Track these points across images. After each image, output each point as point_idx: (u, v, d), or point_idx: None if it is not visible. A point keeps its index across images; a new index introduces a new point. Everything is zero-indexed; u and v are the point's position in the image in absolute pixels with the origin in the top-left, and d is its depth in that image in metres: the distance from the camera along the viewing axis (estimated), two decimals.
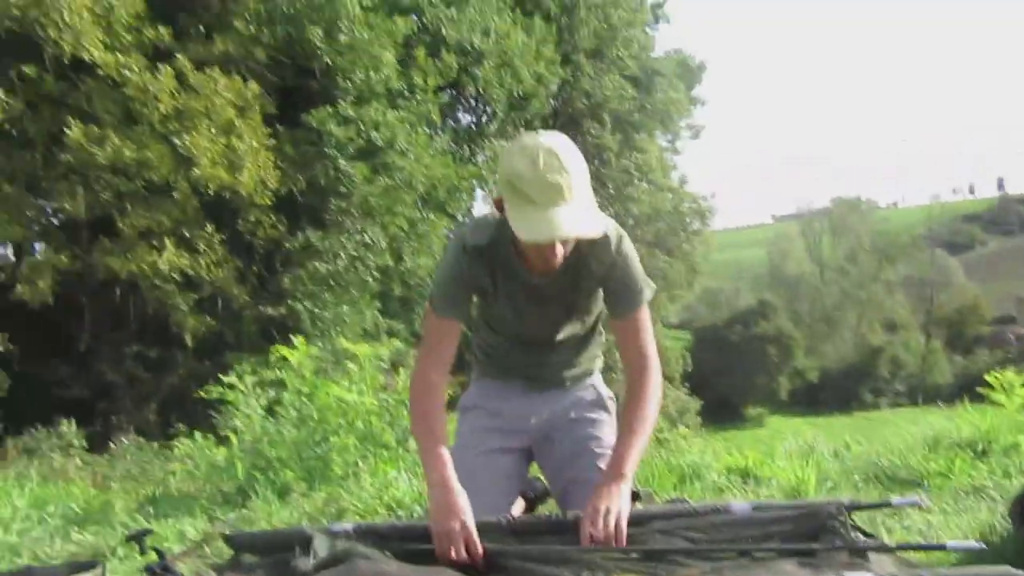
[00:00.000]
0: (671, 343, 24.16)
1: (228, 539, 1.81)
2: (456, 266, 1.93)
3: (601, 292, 2.02)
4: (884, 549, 1.52)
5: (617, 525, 1.67)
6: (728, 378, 36.41)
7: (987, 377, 4.84)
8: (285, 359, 3.36)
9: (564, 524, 1.73)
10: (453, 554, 1.61)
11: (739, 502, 1.88)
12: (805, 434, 4.38)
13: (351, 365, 3.61)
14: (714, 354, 37.67)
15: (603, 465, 2.06)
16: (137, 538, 1.89)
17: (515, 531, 1.72)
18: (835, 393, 35.31)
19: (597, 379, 2.33)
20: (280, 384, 3.87)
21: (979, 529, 2.04)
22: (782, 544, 1.58)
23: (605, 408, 2.26)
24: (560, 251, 1.78)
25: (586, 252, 1.89)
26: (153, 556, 1.92)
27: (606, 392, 2.30)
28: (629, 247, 1.95)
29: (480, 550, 1.62)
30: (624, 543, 1.64)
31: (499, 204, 1.81)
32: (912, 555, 1.78)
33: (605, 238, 1.88)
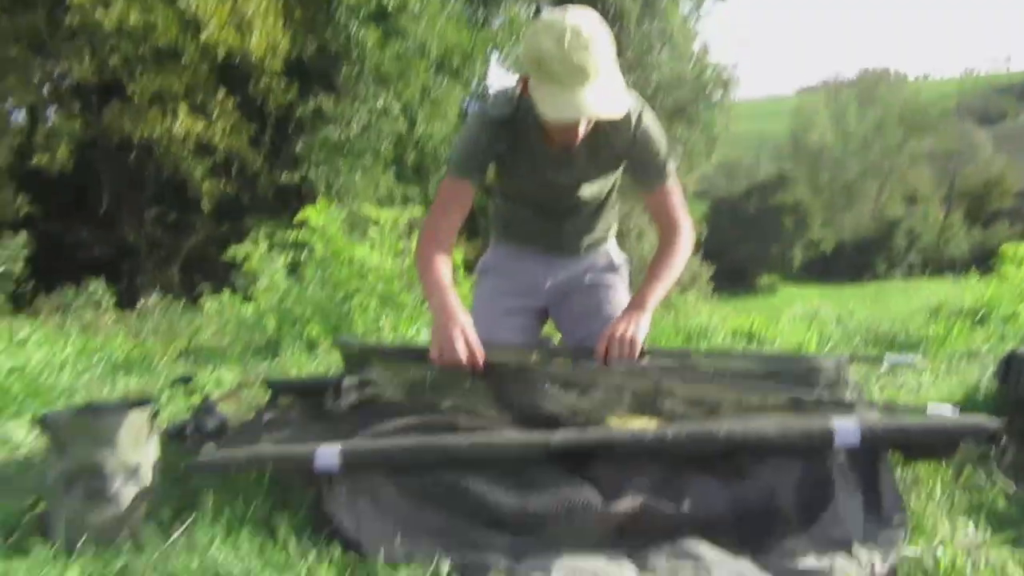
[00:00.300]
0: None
1: (268, 383, 1.97)
2: (477, 133, 1.97)
3: (619, 163, 2.07)
4: (867, 407, 1.64)
5: (632, 343, 1.80)
6: (742, 248, 36.45)
7: (1001, 249, 4.89)
8: (309, 221, 3.44)
9: (584, 350, 1.88)
10: (453, 355, 1.70)
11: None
12: (813, 302, 4.51)
13: (371, 229, 3.70)
14: (730, 224, 37.54)
15: (611, 304, 2.21)
16: (183, 381, 2.06)
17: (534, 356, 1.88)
18: (849, 263, 35.32)
19: (612, 245, 2.41)
20: (300, 246, 3.99)
21: (966, 389, 2.16)
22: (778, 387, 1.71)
23: (618, 272, 2.36)
24: (582, 129, 1.82)
25: (606, 126, 1.92)
26: (199, 398, 2.10)
27: (620, 258, 2.39)
28: (651, 120, 1.97)
29: (480, 352, 1.73)
30: (635, 356, 1.77)
31: (524, 81, 1.83)
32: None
33: (626, 115, 1.90)
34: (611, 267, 2.36)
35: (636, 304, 1.95)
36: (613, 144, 1.97)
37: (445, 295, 1.83)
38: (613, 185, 2.22)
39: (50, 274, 10.71)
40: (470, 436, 1.55)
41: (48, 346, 3.24)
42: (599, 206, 2.25)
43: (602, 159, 2.02)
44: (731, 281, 28.28)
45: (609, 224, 2.38)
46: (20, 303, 10.16)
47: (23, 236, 10.42)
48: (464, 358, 1.71)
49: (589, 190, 2.13)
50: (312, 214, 3.41)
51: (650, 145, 1.97)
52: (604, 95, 1.73)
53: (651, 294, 1.96)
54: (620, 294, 2.30)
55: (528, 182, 2.08)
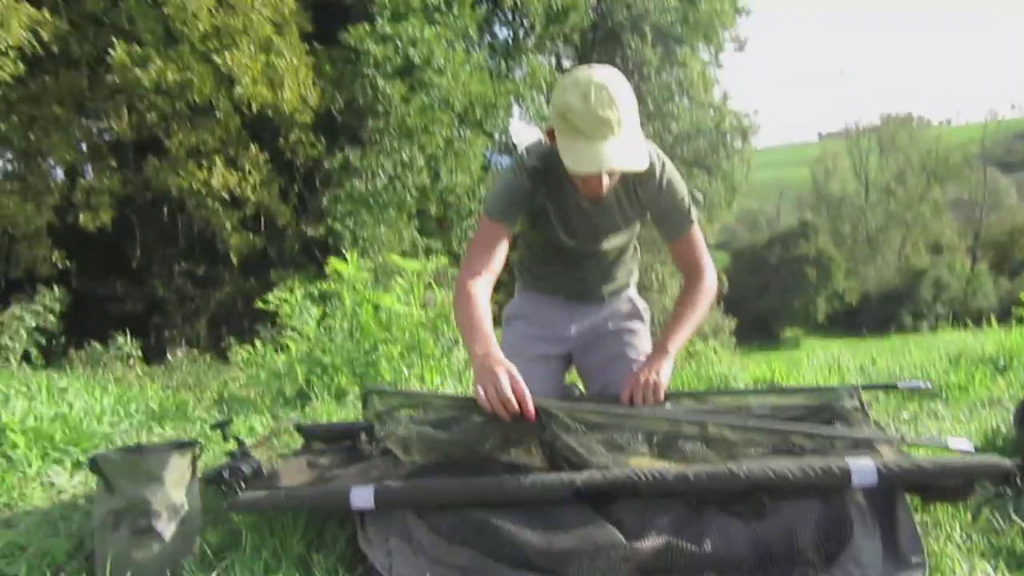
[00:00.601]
0: None
1: (300, 428, 2.05)
2: (514, 180, 2.05)
3: (643, 213, 2.15)
4: (887, 442, 1.68)
5: (655, 389, 1.88)
6: (765, 300, 36.22)
7: (1021, 296, 4.90)
8: (338, 272, 3.56)
9: (609, 397, 1.95)
10: (501, 403, 1.63)
11: (761, 403, 2.06)
12: (835, 353, 4.52)
13: (399, 279, 3.81)
14: (752, 275, 37.40)
15: (634, 351, 2.28)
16: (221, 427, 2.14)
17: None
18: (874, 316, 34.88)
19: (633, 292, 2.50)
20: (327, 298, 4.10)
21: (985, 434, 2.18)
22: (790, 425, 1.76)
23: (641, 319, 2.44)
24: (606, 181, 1.90)
25: (632, 178, 2.01)
26: (233, 444, 2.18)
27: (642, 304, 2.47)
28: (672, 172, 2.06)
29: (530, 398, 1.66)
30: (660, 401, 1.85)
31: (551, 134, 1.93)
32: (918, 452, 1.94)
33: (650, 166, 1.98)
34: (634, 314, 2.43)
35: (659, 349, 2.03)
36: (639, 195, 2.07)
37: (487, 339, 1.81)
38: (633, 234, 2.32)
39: (82, 328, 10.96)
40: (499, 477, 1.61)
41: (87, 395, 3.35)
42: (620, 255, 2.34)
43: (629, 209, 2.12)
44: (754, 334, 28.10)
45: (630, 272, 2.47)
46: (52, 357, 10.38)
47: (57, 291, 10.72)
48: (514, 403, 1.65)
49: (614, 240, 2.22)
50: (341, 265, 3.53)
51: (674, 195, 2.06)
52: (625, 149, 1.81)
53: (674, 339, 2.04)
54: (643, 340, 2.37)
55: (557, 231, 2.16)
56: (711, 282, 2.14)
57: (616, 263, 2.35)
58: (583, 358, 2.40)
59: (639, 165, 1.85)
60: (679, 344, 2.05)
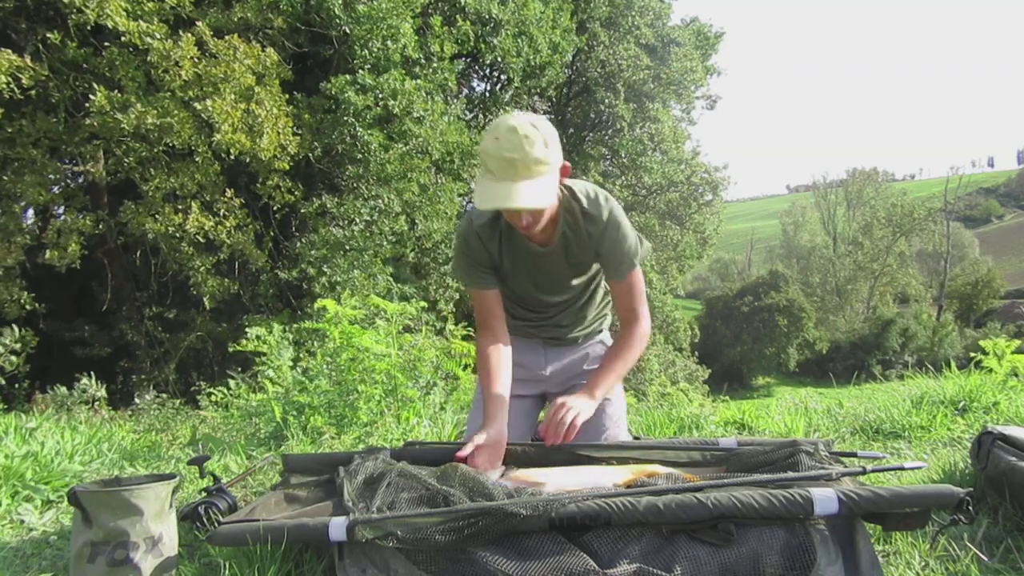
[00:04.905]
0: (681, 313, 24.35)
1: (283, 458, 2.07)
2: (462, 245, 2.19)
3: (595, 255, 2.22)
4: (850, 473, 1.75)
5: (570, 428, 2.00)
6: (737, 348, 36.57)
7: (981, 343, 5.05)
8: (325, 308, 3.58)
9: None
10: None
11: (727, 438, 2.13)
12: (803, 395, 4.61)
13: (379, 322, 3.85)
14: (724, 324, 37.81)
15: (610, 410, 2.35)
16: (198, 462, 2.15)
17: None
18: (844, 364, 35.35)
19: (606, 336, 2.58)
20: (300, 343, 4.09)
21: (945, 469, 2.26)
22: (762, 469, 1.83)
23: None
24: (527, 220, 1.97)
25: (580, 222, 2.10)
26: (210, 480, 2.19)
27: None
28: (618, 215, 2.13)
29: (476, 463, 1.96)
30: (572, 438, 1.97)
31: None
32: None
33: (597, 208, 2.08)
34: None
35: (585, 390, 2.13)
36: (586, 238, 2.15)
37: (483, 400, 2.12)
38: (597, 277, 2.39)
39: (45, 371, 10.75)
40: (472, 507, 1.64)
41: (58, 434, 3.31)
42: (588, 298, 2.41)
43: (579, 252, 2.19)
44: (726, 382, 28.27)
45: (603, 316, 2.54)
46: (13, 400, 10.15)
47: (21, 332, 10.53)
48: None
49: (575, 282, 2.29)
50: (329, 304, 3.57)
51: (617, 237, 2.13)
52: (528, 189, 1.87)
53: (601, 384, 2.14)
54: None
55: (517, 279, 2.27)
56: (643, 329, 2.23)
57: (586, 306, 2.42)
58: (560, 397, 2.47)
59: (539, 204, 1.90)
60: (605, 389, 2.17)
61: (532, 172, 1.88)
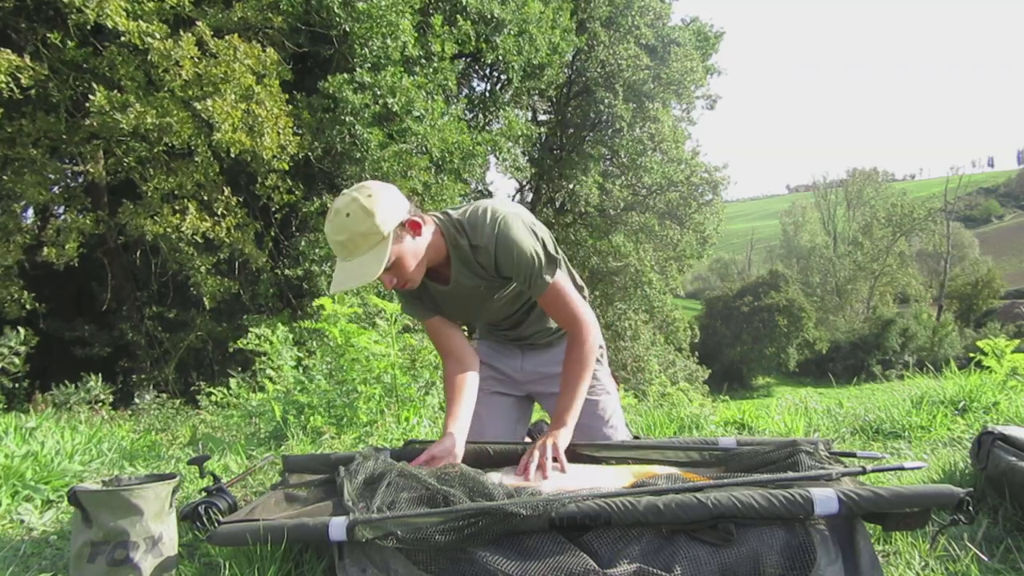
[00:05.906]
0: (681, 313, 24.36)
1: (283, 458, 2.07)
2: (400, 292, 2.24)
3: (499, 274, 2.16)
4: (850, 473, 1.75)
5: (554, 458, 1.98)
6: (737, 348, 36.58)
7: (979, 344, 5.05)
8: (323, 308, 3.58)
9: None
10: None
11: (726, 438, 2.13)
12: (803, 395, 4.61)
13: (379, 321, 3.85)
14: (724, 324, 37.83)
15: (597, 410, 2.37)
16: (199, 462, 2.15)
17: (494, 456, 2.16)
18: (844, 365, 35.36)
19: None
20: (302, 342, 4.09)
21: (944, 469, 2.26)
22: (762, 469, 1.83)
23: (597, 359, 2.52)
24: (390, 281, 2.00)
25: (469, 255, 2.09)
26: (210, 480, 2.19)
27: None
28: (511, 237, 2.04)
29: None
30: (545, 475, 1.92)
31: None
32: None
33: (482, 237, 2.05)
34: None
35: (556, 423, 2.11)
36: (482, 269, 2.13)
37: (448, 423, 2.12)
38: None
39: (45, 371, 10.74)
40: (473, 507, 1.65)
41: (58, 434, 3.31)
42: (537, 308, 2.36)
43: (483, 273, 2.14)
44: (726, 382, 28.30)
45: None
46: (14, 400, 10.14)
47: (22, 333, 10.52)
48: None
49: (503, 304, 2.28)
50: (327, 302, 3.57)
51: (515, 260, 2.05)
52: (364, 265, 1.91)
53: (568, 408, 2.10)
54: (600, 376, 2.46)
55: (453, 313, 2.32)
56: (587, 332, 2.15)
57: (541, 315, 2.38)
58: (543, 399, 2.56)
59: (371, 278, 1.93)
60: (574, 414, 2.11)
61: (360, 247, 1.91)
